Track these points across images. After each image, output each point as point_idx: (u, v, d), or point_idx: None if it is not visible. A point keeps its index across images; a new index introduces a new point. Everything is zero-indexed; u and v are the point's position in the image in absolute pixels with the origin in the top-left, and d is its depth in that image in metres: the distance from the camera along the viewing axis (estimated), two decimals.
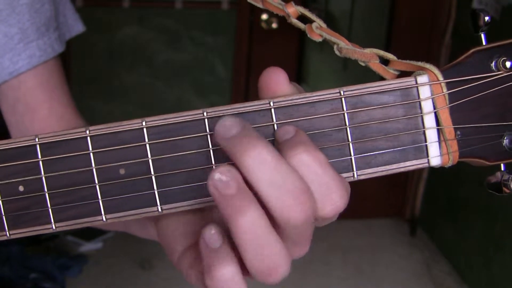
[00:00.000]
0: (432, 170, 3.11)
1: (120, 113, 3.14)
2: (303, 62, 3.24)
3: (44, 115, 0.73)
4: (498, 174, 0.44)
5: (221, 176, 0.37)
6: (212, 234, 0.39)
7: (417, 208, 3.26)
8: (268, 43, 3.14)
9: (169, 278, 2.79)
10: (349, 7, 3.17)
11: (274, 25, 3.07)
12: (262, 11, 3.05)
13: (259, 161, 0.37)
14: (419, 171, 3.19)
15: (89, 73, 3.13)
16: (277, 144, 0.40)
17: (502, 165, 0.44)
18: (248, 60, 3.18)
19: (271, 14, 3.05)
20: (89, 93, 3.08)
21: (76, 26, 0.81)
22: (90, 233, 3.06)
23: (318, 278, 2.89)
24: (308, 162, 0.38)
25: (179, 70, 3.21)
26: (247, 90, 3.20)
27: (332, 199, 0.39)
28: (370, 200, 3.29)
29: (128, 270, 2.86)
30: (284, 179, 0.37)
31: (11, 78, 0.71)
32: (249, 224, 0.37)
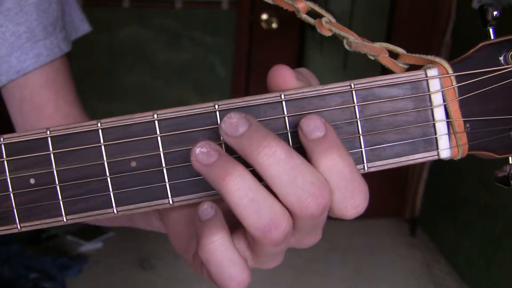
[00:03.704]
0: (432, 170, 3.12)
1: (120, 113, 3.12)
2: (303, 62, 3.24)
3: (50, 113, 0.73)
4: (507, 167, 0.45)
5: (201, 149, 0.38)
6: (204, 209, 0.39)
7: (417, 208, 3.26)
8: (268, 43, 3.14)
9: (169, 278, 2.79)
10: (349, 7, 3.17)
11: (274, 25, 3.08)
12: (262, 11, 3.06)
13: (274, 159, 0.37)
14: (419, 171, 3.20)
15: (89, 73, 3.13)
16: (304, 139, 0.39)
17: (510, 158, 0.44)
18: (248, 60, 3.18)
19: (271, 14, 3.06)
20: (89, 93, 3.08)
21: (82, 26, 0.81)
22: (90, 233, 3.06)
23: (318, 278, 2.89)
24: (341, 168, 0.39)
25: (179, 70, 3.21)
26: (247, 90, 3.20)
27: (355, 202, 0.40)
28: (370, 200, 3.26)
29: (128, 270, 2.86)
30: (298, 176, 0.38)
31: (18, 77, 0.71)
32: (238, 184, 0.37)
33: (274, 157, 0.37)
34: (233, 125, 0.38)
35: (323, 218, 0.40)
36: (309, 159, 0.39)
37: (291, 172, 0.37)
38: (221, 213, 0.40)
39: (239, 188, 0.37)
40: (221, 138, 0.38)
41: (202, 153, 0.38)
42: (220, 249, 0.39)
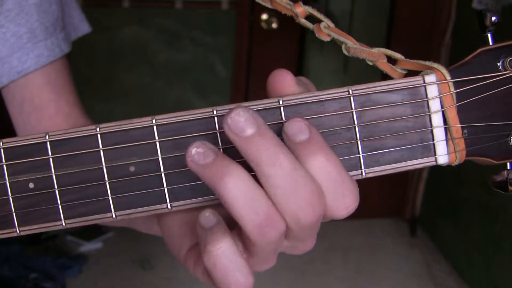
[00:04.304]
0: (432, 170, 3.12)
1: (120, 113, 3.14)
2: (303, 62, 3.24)
3: (51, 114, 0.73)
4: (504, 172, 0.45)
5: (197, 149, 0.37)
6: (206, 216, 0.39)
7: (417, 208, 3.26)
8: (268, 43, 3.14)
9: (169, 278, 2.80)
10: (349, 7, 3.17)
11: (274, 25, 3.07)
12: (262, 11, 3.06)
13: (280, 171, 0.37)
14: (419, 171, 3.20)
15: (89, 73, 3.13)
16: (289, 142, 0.39)
17: (508, 163, 0.45)
18: (248, 60, 3.18)
19: (271, 14, 3.06)
20: (89, 93, 3.08)
21: (82, 27, 0.81)
22: (90, 233, 3.06)
23: (318, 278, 2.89)
24: (327, 168, 0.39)
25: (179, 70, 3.21)
26: (247, 90, 3.20)
27: (346, 202, 0.40)
28: (370, 200, 3.29)
29: (128, 270, 2.86)
30: (301, 187, 0.38)
31: (19, 77, 0.71)
32: (235, 183, 0.37)
33: (281, 169, 0.37)
34: (240, 125, 0.37)
35: (318, 227, 0.40)
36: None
37: (295, 184, 0.37)
38: (222, 219, 0.40)
39: (236, 187, 0.37)
40: (225, 133, 0.37)
41: (199, 153, 0.37)
42: (226, 255, 0.39)
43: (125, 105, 3.21)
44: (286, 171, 0.37)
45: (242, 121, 0.37)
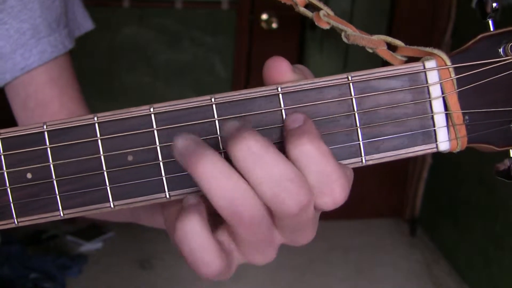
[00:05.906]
0: (433, 170, 3.11)
1: None
2: (303, 62, 3.24)
3: (54, 110, 0.73)
4: (507, 161, 0.44)
5: (179, 140, 0.38)
6: (189, 197, 0.41)
7: (417, 208, 3.26)
8: (268, 43, 3.14)
9: (169, 278, 2.79)
10: (349, 7, 3.17)
11: (274, 25, 3.08)
12: (262, 11, 3.06)
13: (247, 152, 0.37)
14: (419, 171, 3.19)
15: (89, 73, 3.13)
16: (285, 132, 0.40)
17: (510, 151, 0.44)
18: (248, 60, 3.18)
19: (271, 14, 3.06)
20: (89, 93, 3.08)
21: (85, 24, 0.81)
22: (90, 233, 3.07)
23: (318, 278, 2.89)
24: (310, 152, 0.38)
25: (179, 70, 3.21)
26: None
27: (332, 190, 0.39)
28: (370, 200, 3.29)
29: (128, 270, 2.86)
30: (275, 171, 0.37)
31: (23, 73, 0.71)
32: (207, 168, 0.37)
33: (248, 150, 0.37)
34: (230, 128, 0.38)
35: (307, 217, 0.39)
36: (284, 150, 0.39)
37: (266, 167, 0.37)
38: (203, 205, 0.40)
39: (208, 171, 0.37)
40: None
41: (181, 144, 0.38)
42: (191, 232, 0.39)
43: (125, 105, 3.17)
44: (255, 153, 0.37)
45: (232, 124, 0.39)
